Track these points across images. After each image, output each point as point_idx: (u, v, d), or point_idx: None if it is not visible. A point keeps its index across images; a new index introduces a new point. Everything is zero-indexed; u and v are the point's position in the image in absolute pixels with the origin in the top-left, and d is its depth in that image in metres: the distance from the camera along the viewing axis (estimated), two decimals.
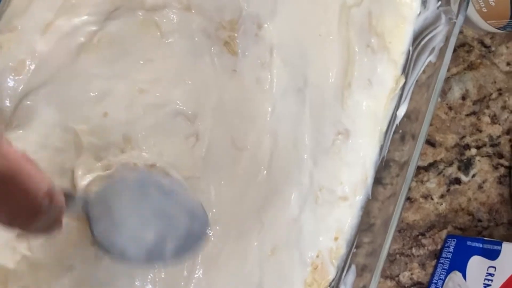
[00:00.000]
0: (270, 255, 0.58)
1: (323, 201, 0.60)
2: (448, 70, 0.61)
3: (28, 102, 0.51)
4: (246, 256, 0.57)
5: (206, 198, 0.55)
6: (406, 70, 0.63)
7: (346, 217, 0.61)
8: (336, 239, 0.60)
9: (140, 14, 0.54)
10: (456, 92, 0.70)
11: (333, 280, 0.59)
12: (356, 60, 0.62)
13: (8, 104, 0.50)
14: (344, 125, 0.61)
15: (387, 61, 0.63)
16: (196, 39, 0.57)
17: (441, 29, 0.61)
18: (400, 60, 0.63)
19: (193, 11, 0.56)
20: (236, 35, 0.58)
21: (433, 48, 0.61)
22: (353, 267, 0.59)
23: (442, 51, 0.60)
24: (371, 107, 0.62)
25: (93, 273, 0.51)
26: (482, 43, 0.71)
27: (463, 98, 0.70)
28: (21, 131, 0.51)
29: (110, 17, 0.53)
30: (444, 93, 0.69)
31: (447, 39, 0.60)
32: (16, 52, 0.50)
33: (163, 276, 0.54)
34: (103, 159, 0.52)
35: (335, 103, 0.61)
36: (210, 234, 0.55)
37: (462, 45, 0.71)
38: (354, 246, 0.60)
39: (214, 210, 0.56)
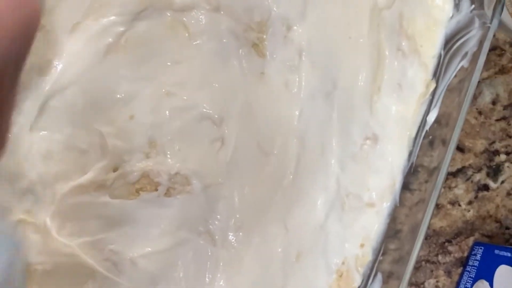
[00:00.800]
0: (295, 262, 0.57)
1: (350, 207, 0.59)
2: None
3: (54, 103, 0.50)
4: (270, 263, 0.56)
5: (229, 203, 0.55)
6: (437, 74, 0.62)
7: (373, 224, 0.60)
8: (362, 246, 0.59)
9: (168, 14, 0.53)
10: (486, 97, 0.69)
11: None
12: (386, 64, 0.61)
13: (34, 104, 0.49)
14: (373, 129, 0.60)
15: (418, 65, 0.61)
16: (224, 40, 0.55)
17: (474, 33, 0.59)
18: (431, 64, 0.62)
19: (222, 12, 0.55)
20: (264, 36, 0.57)
21: (466, 53, 0.60)
22: (379, 275, 0.58)
23: (475, 56, 0.58)
24: (401, 112, 0.61)
25: None
26: None
27: (493, 102, 0.69)
28: (46, 132, 0.50)
29: (138, 18, 0.52)
30: (474, 97, 0.68)
31: (480, 43, 0.58)
32: (43, 52, 0.49)
33: (183, 285, 0.53)
34: (126, 162, 0.51)
35: (364, 107, 0.60)
36: (233, 240, 0.55)
37: (493, 49, 0.69)
38: (380, 254, 0.59)
39: (237, 216, 0.55)
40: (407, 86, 0.61)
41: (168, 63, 0.53)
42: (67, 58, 0.49)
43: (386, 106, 0.60)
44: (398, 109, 0.61)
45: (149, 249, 0.51)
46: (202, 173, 0.53)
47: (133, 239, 0.51)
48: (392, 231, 0.60)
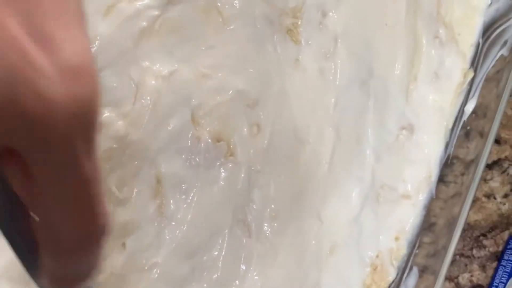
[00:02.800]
0: (328, 255, 0.55)
1: (385, 199, 0.58)
2: None
3: None
4: (304, 256, 0.55)
5: (265, 193, 0.54)
6: (475, 63, 0.60)
7: (409, 216, 0.58)
8: (397, 239, 0.58)
9: None
10: None
11: (393, 282, 0.57)
12: (423, 52, 0.59)
13: None
14: (409, 119, 0.59)
15: (455, 54, 0.60)
16: (258, 26, 0.54)
17: None
18: (469, 53, 0.61)
19: None
20: (299, 22, 0.56)
21: (505, 42, 0.58)
22: (414, 268, 0.56)
23: None
24: (437, 102, 0.60)
25: None
26: None
27: None
28: None
29: (172, 2, 0.51)
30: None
31: None
32: None
33: (216, 276, 0.52)
34: None
35: (400, 96, 0.59)
36: (268, 231, 0.53)
37: None
38: (416, 247, 0.58)
39: (272, 206, 0.54)
40: (444, 75, 0.60)
41: (202, 48, 0.52)
42: (102, 40, 0.48)
43: (423, 95, 0.59)
44: (435, 98, 0.60)
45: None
46: (241, 154, 0.52)
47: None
48: (427, 224, 0.58)
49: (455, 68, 0.60)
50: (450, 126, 0.60)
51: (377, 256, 0.57)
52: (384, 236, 0.58)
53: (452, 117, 0.60)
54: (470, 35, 0.61)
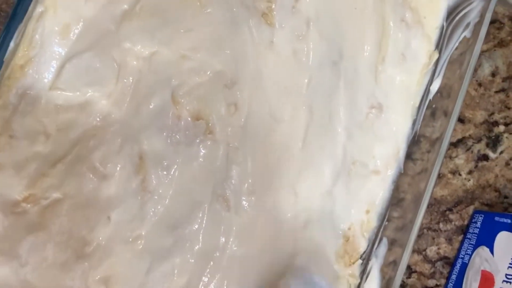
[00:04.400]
0: (303, 227, 0.58)
1: (356, 174, 0.60)
2: None
3: (71, 66, 0.51)
4: (280, 227, 0.57)
5: (242, 169, 0.56)
6: (439, 45, 0.63)
7: (378, 190, 0.61)
8: (367, 212, 0.60)
9: None
10: (486, 69, 0.70)
11: (364, 252, 0.60)
12: (391, 35, 0.62)
13: (53, 66, 0.50)
14: (378, 99, 0.61)
15: (421, 36, 0.62)
16: (235, 9, 0.57)
17: (475, 5, 0.60)
18: (434, 35, 0.63)
19: None
20: (273, 6, 0.58)
21: (468, 24, 0.61)
22: (384, 239, 0.59)
23: (477, 28, 0.59)
24: (404, 82, 0.62)
25: None
26: None
27: (493, 75, 0.70)
28: (64, 93, 0.51)
29: None
30: (474, 69, 0.69)
31: (481, 14, 0.60)
32: (62, 16, 0.50)
33: (198, 247, 0.54)
34: None
35: (369, 77, 0.61)
36: (246, 205, 0.56)
37: (492, 22, 0.70)
38: (385, 220, 0.60)
39: (249, 181, 0.56)
40: (410, 57, 0.62)
41: (181, 30, 0.55)
42: (84, 22, 0.50)
43: (391, 76, 0.62)
44: (402, 79, 0.62)
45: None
46: (220, 132, 0.55)
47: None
48: (395, 200, 0.61)
49: (421, 49, 0.63)
50: (416, 105, 0.62)
51: (349, 228, 0.60)
52: (355, 209, 0.60)
53: (419, 96, 0.62)
54: (435, 18, 0.63)
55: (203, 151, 0.55)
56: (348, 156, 0.60)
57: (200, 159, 0.55)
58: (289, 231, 0.57)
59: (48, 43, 0.50)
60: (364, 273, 0.59)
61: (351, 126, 0.60)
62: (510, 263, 0.61)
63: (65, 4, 0.50)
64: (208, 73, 0.55)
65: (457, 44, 0.61)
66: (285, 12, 0.58)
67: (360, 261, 0.60)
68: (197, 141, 0.55)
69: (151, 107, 0.53)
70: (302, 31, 0.59)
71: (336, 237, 0.59)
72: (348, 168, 0.60)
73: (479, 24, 0.59)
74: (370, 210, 0.61)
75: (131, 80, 0.53)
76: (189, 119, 0.54)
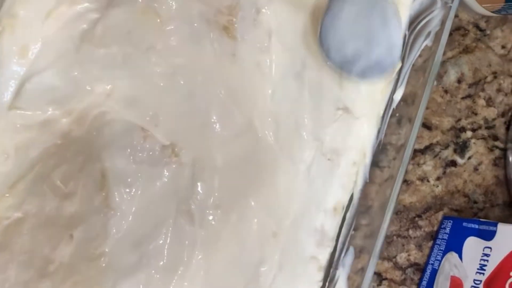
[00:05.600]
0: (271, 237, 0.58)
1: (324, 181, 0.61)
2: (444, 53, 0.61)
3: (31, 85, 0.51)
4: (246, 238, 0.58)
5: (209, 185, 0.56)
6: (402, 54, 0.63)
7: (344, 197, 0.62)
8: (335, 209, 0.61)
9: (140, 1, 0.55)
10: (451, 76, 0.71)
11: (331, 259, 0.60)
12: None
13: (12, 86, 0.50)
14: (344, 103, 0.61)
15: None
16: (196, 24, 0.57)
17: (436, 13, 0.61)
18: None
19: None
20: (234, 20, 0.59)
21: (429, 32, 0.61)
22: (351, 248, 0.59)
23: (438, 35, 0.60)
24: (369, 91, 0.62)
25: None
26: (477, 26, 0.72)
27: (459, 81, 0.71)
28: (24, 112, 0.52)
29: (111, 4, 0.53)
30: (440, 76, 0.70)
31: (442, 23, 0.60)
32: (20, 36, 0.51)
33: (163, 262, 0.55)
34: None
35: (334, 85, 0.61)
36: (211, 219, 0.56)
37: (457, 29, 0.71)
38: (352, 228, 0.61)
39: (216, 195, 0.56)
40: None
41: (144, 48, 0.55)
42: (43, 42, 0.51)
43: (355, 84, 0.62)
44: (366, 88, 0.62)
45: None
46: (190, 146, 0.55)
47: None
48: (363, 207, 0.61)
49: None
50: (381, 114, 0.63)
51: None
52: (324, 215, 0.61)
53: (383, 105, 0.63)
54: None
55: (167, 173, 0.55)
56: (315, 163, 0.60)
57: (164, 179, 0.55)
58: (256, 242, 0.57)
59: (6, 63, 0.51)
60: (331, 282, 0.59)
61: (318, 132, 0.60)
62: (478, 269, 0.61)
63: (23, 24, 0.50)
64: (177, 89, 0.55)
65: (419, 52, 0.62)
66: (247, 24, 0.59)
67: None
68: (162, 163, 0.55)
69: (114, 126, 0.53)
70: (265, 43, 0.59)
71: (306, 244, 0.60)
72: (315, 175, 0.60)
73: (440, 31, 0.60)
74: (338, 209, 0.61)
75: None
76: (155, 140, 0.54)
